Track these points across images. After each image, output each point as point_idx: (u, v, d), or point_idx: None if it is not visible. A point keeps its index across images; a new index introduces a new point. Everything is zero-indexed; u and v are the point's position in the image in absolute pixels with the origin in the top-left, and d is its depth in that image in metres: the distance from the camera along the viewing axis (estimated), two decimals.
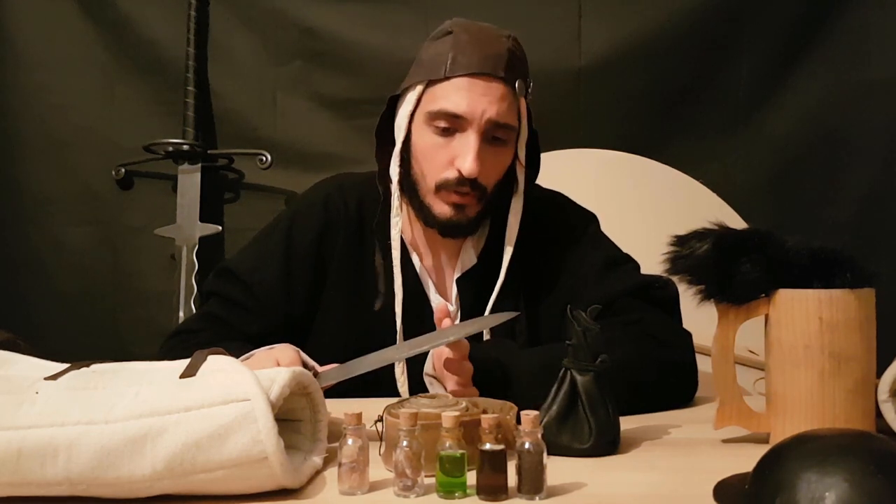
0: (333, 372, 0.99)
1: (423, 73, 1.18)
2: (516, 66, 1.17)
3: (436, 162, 1.17)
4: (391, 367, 1.19)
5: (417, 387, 1.18)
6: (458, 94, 1.14)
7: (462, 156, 1.14)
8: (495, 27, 1.20)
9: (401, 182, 1.21)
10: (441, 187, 1.17)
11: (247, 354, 1.05)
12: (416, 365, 1.19)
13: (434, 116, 1.16)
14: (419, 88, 1.18)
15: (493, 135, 1.16)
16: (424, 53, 1.20)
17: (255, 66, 2.21)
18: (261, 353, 1.05)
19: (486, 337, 1.20)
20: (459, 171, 1.14)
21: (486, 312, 1.20)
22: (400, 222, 1.20)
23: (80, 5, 2.22)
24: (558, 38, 2.11)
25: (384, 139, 1.25)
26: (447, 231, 1.20)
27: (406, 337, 1.21)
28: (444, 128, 1.15)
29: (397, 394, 1.19)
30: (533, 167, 1.26)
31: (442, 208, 1.18)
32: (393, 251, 1.20)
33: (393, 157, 1.21)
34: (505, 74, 1.14)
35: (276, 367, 0.92)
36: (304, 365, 1.00)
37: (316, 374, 0.97)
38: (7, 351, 0.86)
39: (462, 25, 1.19)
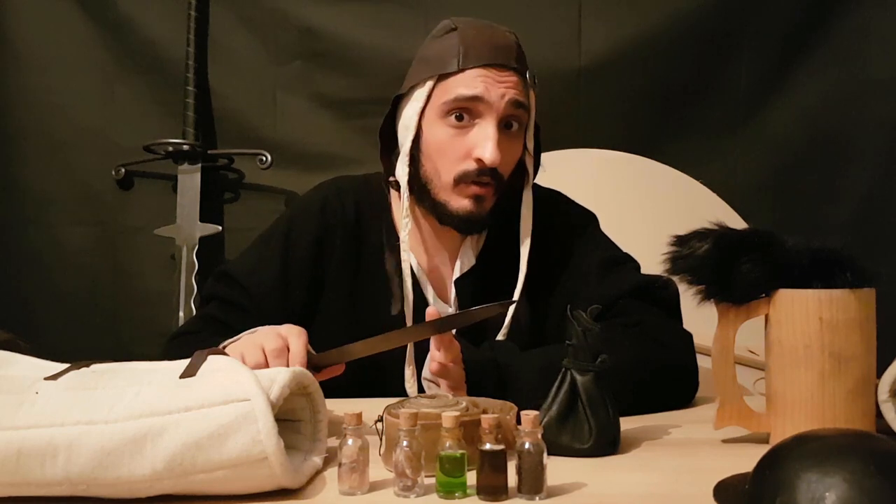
0: (332, 355, 0.99)
1: (433, 69, 1.17)
2: (523, 58, 1.19)
3: (452, 155, 1.16)
4: (400, 367, 1.18)
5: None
6: (474, 82, 1.14)
7: (481, 145, 1.13)
8: (496, 24, 1.21)
9: (410, 182, 1.20)
10: (460, 180, 1.16)
11: (235, 338, 1.03)
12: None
13: (449, 107, 1.15)
14: (429, 84, 1.18)
15: (508, 120, 1.16)
16: (428, 51, 1.20)
17: (255, 66, 2.21)
18: (246, 335, 1.03)
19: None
20: (479, 161, 1.14)
21: (507, 315, 1.20)
22: (409, 223, 1.19)
23: (81, 5, 2.22)
24: (558, 38, 2.11)
25: (386, 141, 1.25)
26: (466, 227, 1.19)
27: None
28: (459, 118, 1.15)
29: (405, 394, 1.19)
30: (537, 161, 1.26)
31: (461, 203, 1.17)
32: (402, 253, 1.19)
33: (401, 158, 1.20)
34: (517, 65, 1.16)
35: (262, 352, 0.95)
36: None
37: (312, 363, 0.97)
38: (7, 351, 0.86)
39: (465, 22, 1.20)
